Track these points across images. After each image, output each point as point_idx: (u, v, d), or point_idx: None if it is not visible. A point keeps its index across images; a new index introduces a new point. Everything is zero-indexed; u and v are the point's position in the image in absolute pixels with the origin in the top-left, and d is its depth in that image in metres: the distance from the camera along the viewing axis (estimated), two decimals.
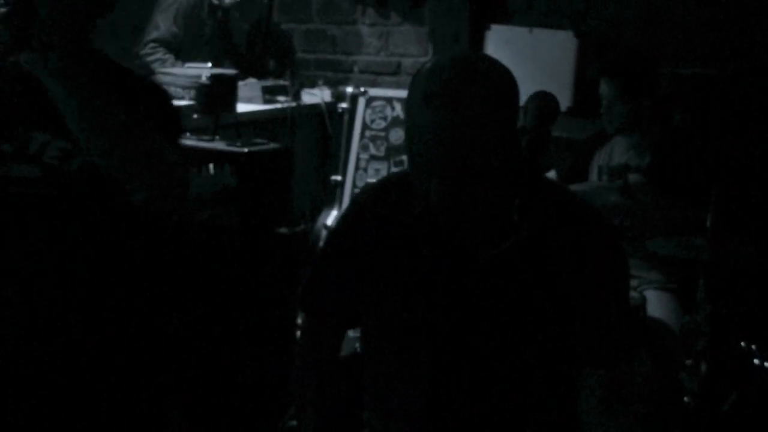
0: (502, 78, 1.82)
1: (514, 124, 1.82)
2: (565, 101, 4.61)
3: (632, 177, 3.72)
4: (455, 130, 1.75)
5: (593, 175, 3.94)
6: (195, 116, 4.53)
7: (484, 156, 1.77)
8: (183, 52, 5.41)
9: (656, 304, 3.59)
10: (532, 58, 4.50)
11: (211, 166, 3.50)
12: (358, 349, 3.82)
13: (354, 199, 2.21)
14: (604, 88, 3.78)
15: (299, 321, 4.15)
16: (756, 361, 3.48)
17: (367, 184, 2.90)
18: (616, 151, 3.89)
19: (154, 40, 5.38)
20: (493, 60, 1.85)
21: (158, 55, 5.34)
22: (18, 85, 2.05)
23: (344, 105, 5.17)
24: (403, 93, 5.23)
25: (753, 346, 3.52)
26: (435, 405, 1.98)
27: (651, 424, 1.99)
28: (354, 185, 5.06)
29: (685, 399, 3.34)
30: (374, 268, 2.04)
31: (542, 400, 2.00)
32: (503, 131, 1.78)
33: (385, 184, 2.19)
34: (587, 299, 1.93)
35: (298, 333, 2.30)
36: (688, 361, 3.38)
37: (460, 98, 1.75)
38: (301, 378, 2.23)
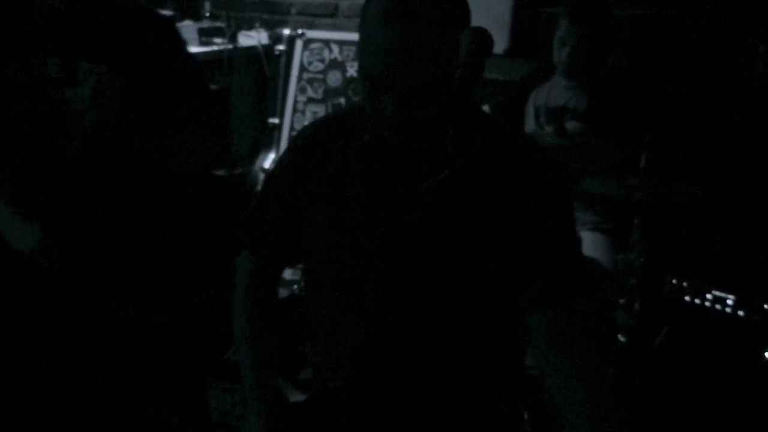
0: None
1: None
2: (502, 43, 4.61)
3: (571, 125, 3.74)
4: (412, 43, 1.80)
5: (530, 116, 3.96)
6: None
7: (438, 71, 1.82)
8: None
9: (590, 245, 3.64)
10: None
11: None
12: (296, 291, 3.86)
13: (295, 135, 2.22)
14: (567, 34, 3.75)
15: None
16: (687, 298, 3.56)
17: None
18: (554, 92, 3.90)
19: None
20: None
21: None
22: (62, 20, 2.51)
23: (281, 47, 5.14)
24: (340, 35, 5.24)
25: (684, 284, 3.59)
26: (377, 338, 2.00)
27: (597, 358, 2.02)
28: (292, 128, 5.04)
29: (619, 337, 3.41)
30: (314, 202, 2.05)
31: (483, 332, 2.02)
32: (454, 48, 1.84)
33: (326, 119, 2.21)
34: (532, 236, 1.95)
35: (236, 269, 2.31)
36: (622, 300, 3.45)
37: (417, 12, 1.80)
38: (241, 314, 2.24)
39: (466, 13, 1.91)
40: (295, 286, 3.88)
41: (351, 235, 2.01)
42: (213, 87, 4.11)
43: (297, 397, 2.18)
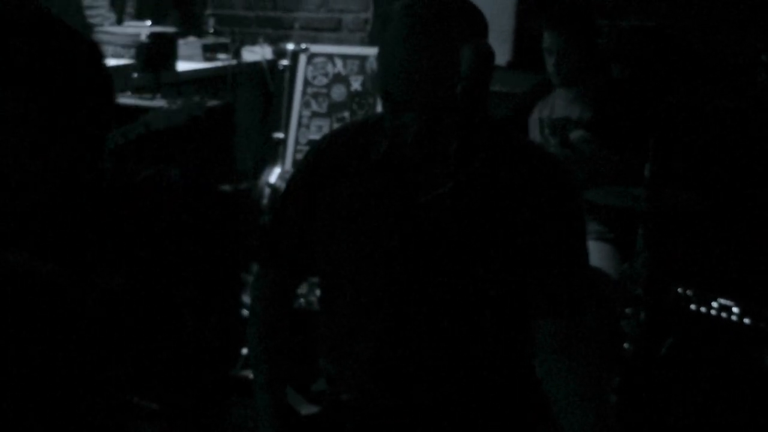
0: (474, 11, 1.91)
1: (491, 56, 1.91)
2: (505, 55, 4.63)
3: (575, 134, 3.75)
4: (434, 61, 1.83)
5: (534, 129, 3.97)
6: (135, 75, 4.50)
7: (456, 86, 1.84)
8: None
9: (596, 254, 3.64)
10: None
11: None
12: (302, 305, 3.86)
13: (311, 147, 2.23)
14: (551, 42, 3.78)
15: (248, 276, 4.18)
16: (692, 306, 3.56)
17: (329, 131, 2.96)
18: (558, 104, 3.91)
19: None
20: None
21: (102, 11, 5.28)
22: None
23: (285, 62, 5.15)
24: (344, 49, 5.27)
25: (689, 292, 3.59)
26: (388, 349, 2.01)
27: (600, 366, 2.02)
28: (296, 142, 5.06)
29: (625, 345, 3.41)
30: (329, 214, 2.06)
31: (493, 341, 2.02)
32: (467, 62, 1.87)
33: (341, 131, 2.21)
34: (542, 245, 1.95)
35: (251, 285, 2.31)
36: (628, 309, 3.45)
37: (438, 30, 1.83)
38: (256, 328, 2.25)
39: (484, 27, 1.93)
40: (302, 300, 3.89)
41: (363, 247, 2.01)
42: (217, 103, 4.13)
43: (309, 409, 2.19)
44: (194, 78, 4.87)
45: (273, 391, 2.19)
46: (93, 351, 2.69)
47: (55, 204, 2.43)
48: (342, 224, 2.04)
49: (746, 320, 3.45)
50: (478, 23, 1.91)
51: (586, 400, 1.95)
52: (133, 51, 4.54)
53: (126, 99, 4.13)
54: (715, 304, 3.51)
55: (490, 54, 1.89)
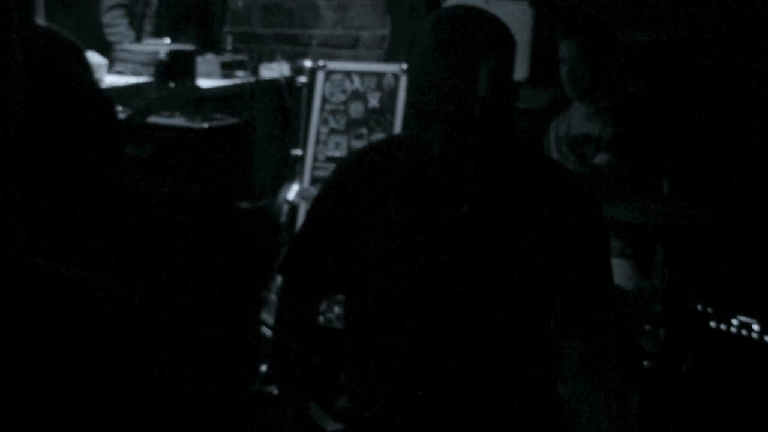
0: (505, 28, 1.94)
1: (511, 75, 1.91)
2: (522, 72, 4.63)
3: (600, 158, 3.74)
4: (456, 76, 1.85)
5: (551, 145, 3.96)
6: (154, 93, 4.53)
7: (487, 101, 1.86)
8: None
9: (614, 271, 3.62)
10: None
11: None
12: (322, 322, 3.87)
13: (339, 164, 2.24)
14: (566, 50, 3.77)
15: (268, 294, 4.19)
16: (712, 323, 3.55)
17: (354, 149, 2.95)
18: (575, 120, 3.90)
19: (116, 5, 5.37)
20: (493, 14, 1.96)
21: (121, 29, 5.32)
22: None
23: (303, 79, 5.17)
24: (361, 66, 5.28)
25: (709, 309, 3.58)
26: (411, 367, 2.02)
27: (622, 384, 2.03)
28: (314, 159, 5.07)
29: (645, 363, 3.40)
30: (356, 232, 2.06)
31: (516, 360, 2.03)
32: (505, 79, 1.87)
33: (369, 150, 2.23)
34: (566, 265, 1.96)
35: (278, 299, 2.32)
36: (647, 326, 3.44)
37: (469, 43, 1.85)
38: (281, 343, 2.25)
39: (511, 46, 1.94)
40: (321, 317, 3.89)
41: (389, 266, 2.02)
42: (236, 120, 4.15)
43: (334, 426, 2.19)
44: (213, 95, 4.89)
45: (299, 403, 2.20)
46: (110, 366, 2.70)
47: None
48: (368, 243, 2.05)
49: (766, 338, 3.43)
50: (504, 42, 1.92)
51: (608, 418, 1.95)
52: (152, 68, 4.57)
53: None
54: (735, 321, 3.50)
55: (508, 75, 1.89)
